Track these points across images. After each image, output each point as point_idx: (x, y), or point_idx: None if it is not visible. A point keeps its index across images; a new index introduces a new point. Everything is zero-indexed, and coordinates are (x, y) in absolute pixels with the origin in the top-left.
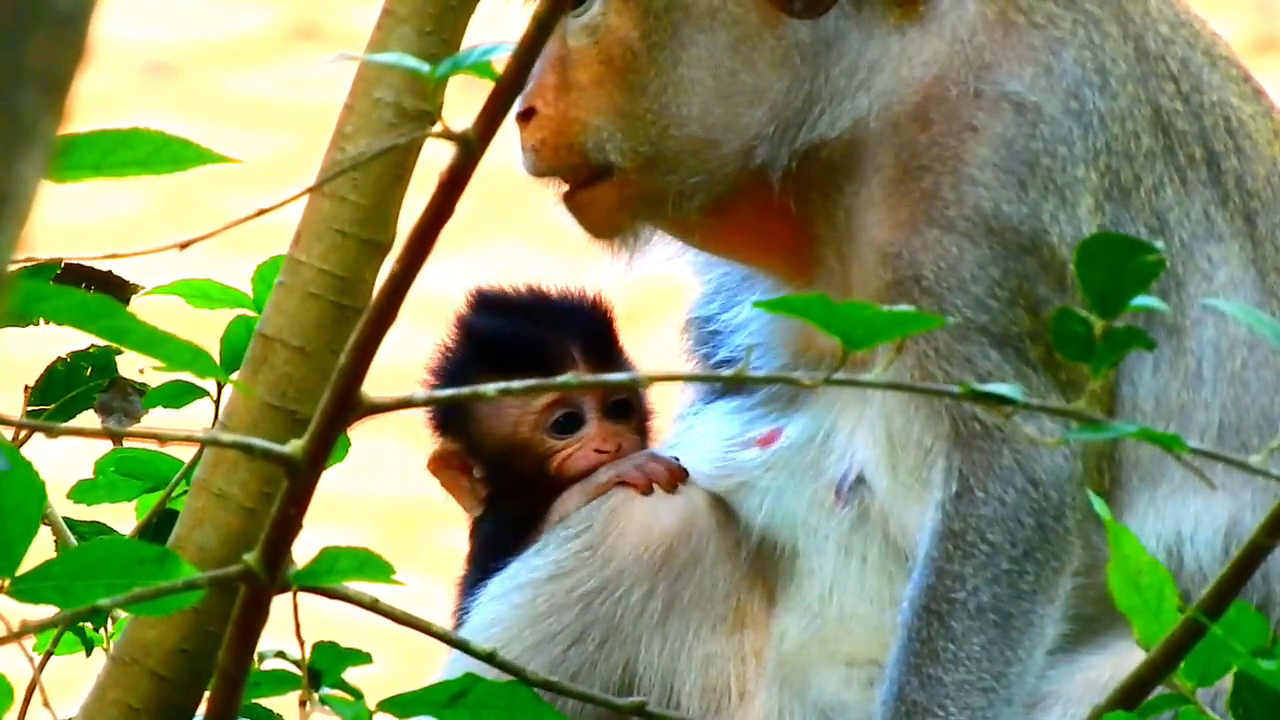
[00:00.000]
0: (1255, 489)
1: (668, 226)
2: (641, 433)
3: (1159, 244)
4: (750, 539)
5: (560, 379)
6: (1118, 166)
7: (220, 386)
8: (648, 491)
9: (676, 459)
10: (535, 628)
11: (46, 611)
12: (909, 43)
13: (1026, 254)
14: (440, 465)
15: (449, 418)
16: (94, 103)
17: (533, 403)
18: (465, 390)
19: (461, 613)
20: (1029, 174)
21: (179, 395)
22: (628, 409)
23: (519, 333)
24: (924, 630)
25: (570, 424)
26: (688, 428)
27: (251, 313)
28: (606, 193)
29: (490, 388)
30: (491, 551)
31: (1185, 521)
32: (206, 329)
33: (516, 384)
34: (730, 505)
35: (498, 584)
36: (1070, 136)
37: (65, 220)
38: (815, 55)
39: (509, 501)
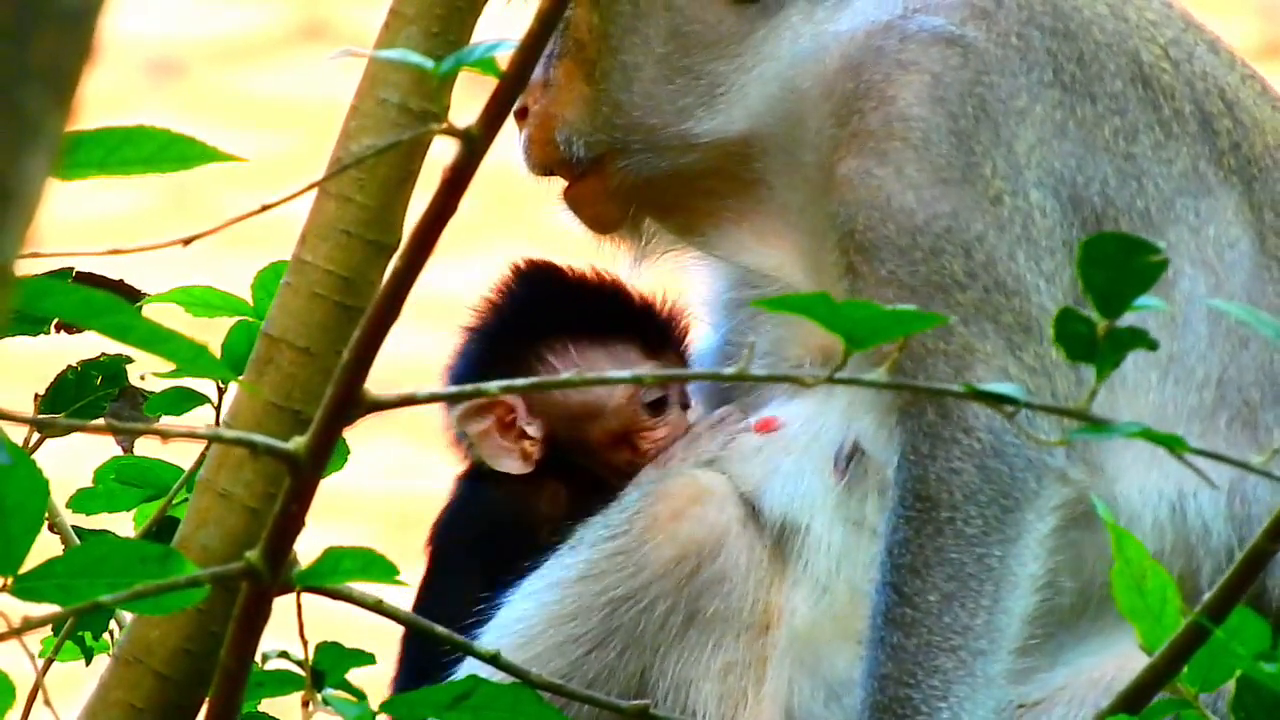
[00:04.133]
0: (1259, 449)
1: (660, 218)
2: None
3: (1139, 203)
4: (770, 531)
5: (562, 376)
6: (1074, 104)
7: (221, 391)
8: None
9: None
10: (560, 628)
11: (49, 610)
12: (834, 7)
13: (956, 188)
14: (480, 415)
15: (510, 369)
16: (99, 100)
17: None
18: (469, 387)
19: (446, 566)
20: (959, 104)
21: (180, 401)
22: (688, 402)
23: (628, 301)
24: (883, 602)
25: (660, 406)
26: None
27: (252, 319)
28: (594, 186)
29: (493, 385)
30: (523, 523)
31: (1189, 478)
32: (209, 333)
33: (520, 381)
34: (758, 507)
35: (530, 582)
36: (1009, 68)
37: (69, 217)
38: (748, 34)
39: (561, 469)
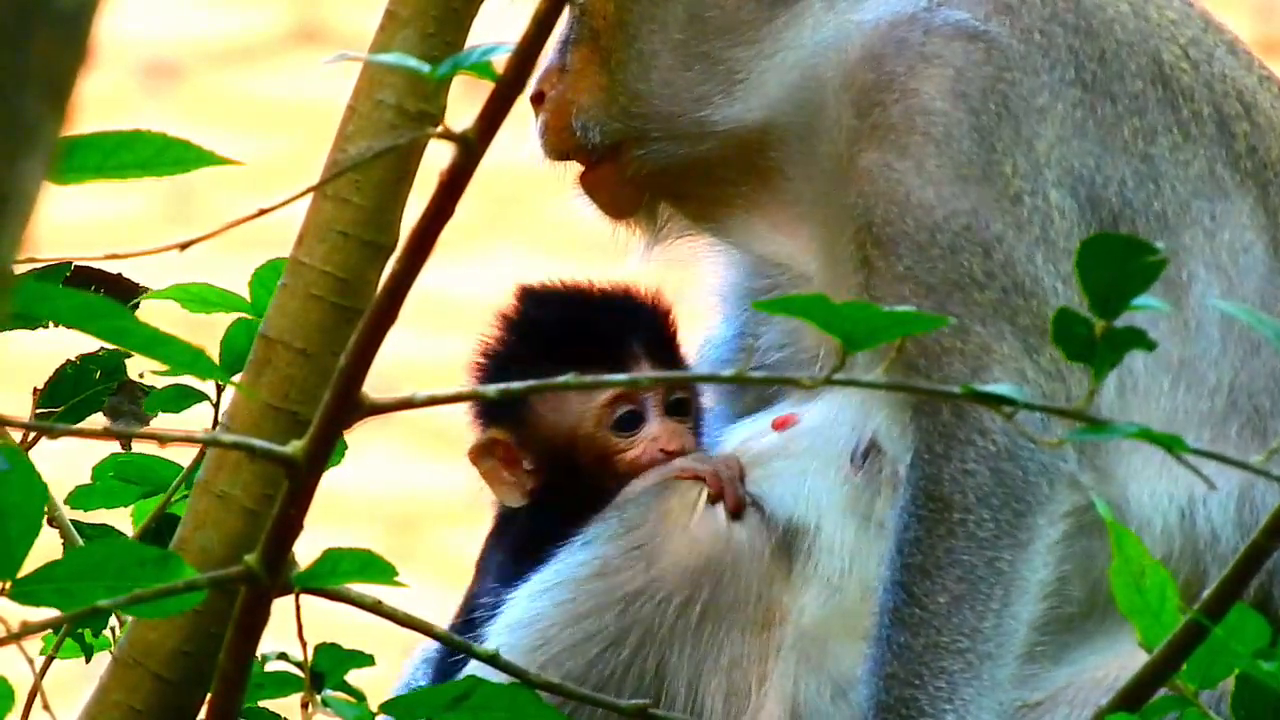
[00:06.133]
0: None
1: (676, 204)
2: (697, 431)
3: (1155, 205)
4: (778, 526)
5: (561, 379)
6: (1094, 102)
7: (220, 389)
8: (717, 498)
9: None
10: (575, 627)
11: (48, 614)
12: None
13: (976, 186)
14: (484, 454)
15: (499, 406)
16: (95, 103)
17: (596, 398)
18: (466, 390)
19: (485, 601)
20: (981, 100)
21: (179, 399)
22: (687, 406)
23: (582, 324)
24: (891, 601)
25: (633, 421)
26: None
27: (250, 316)
28: (610, 172)
29: (492, 388)
30: (537, 542)
31: (1199, 484)
32: (207, 331)
33: (517, 385)
34: (766, 501)
35: (540, 579)
36: (1031, 65)
37: (66, 220)
38: (768, 21)
39: (561, 494)
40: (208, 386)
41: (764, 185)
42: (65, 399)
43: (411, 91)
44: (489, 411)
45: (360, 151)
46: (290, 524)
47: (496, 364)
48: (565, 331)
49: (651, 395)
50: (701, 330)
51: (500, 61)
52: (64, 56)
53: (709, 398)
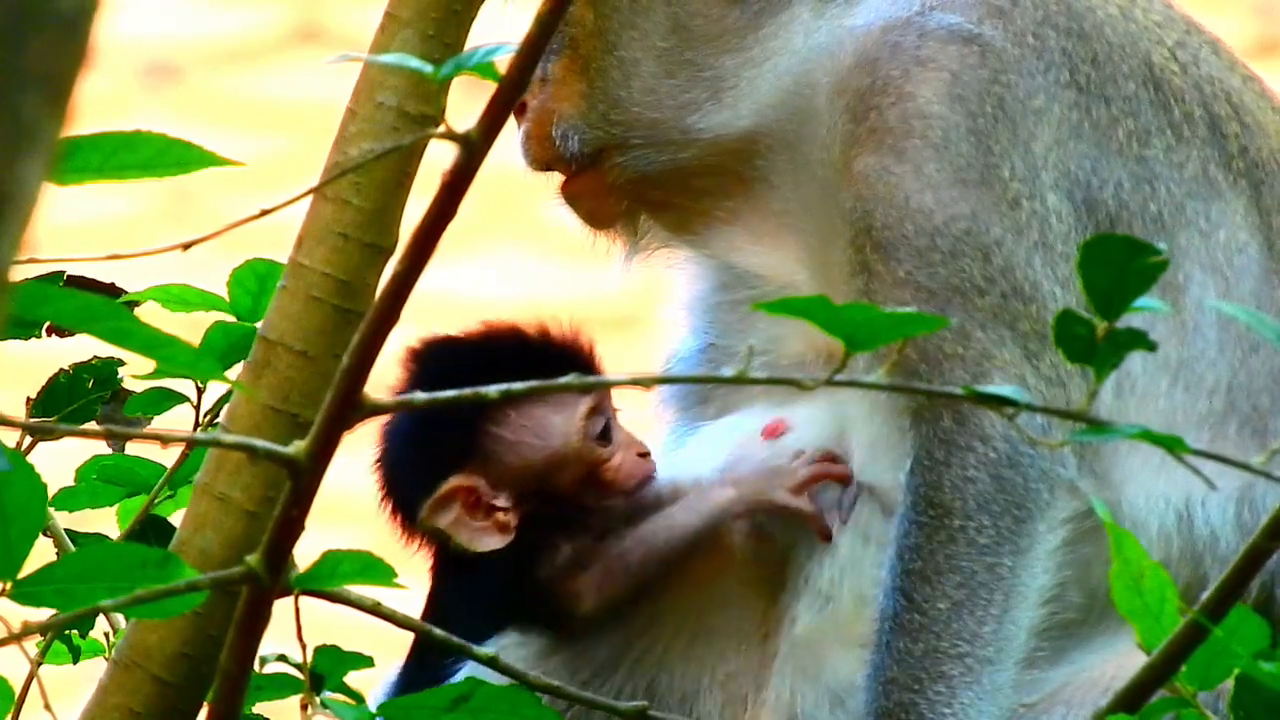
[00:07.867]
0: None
1: (655, 215)
2: None
3: (1151, 207)
4: (767, 534)
5: (564, 379)
6: (1089, 105)
7: (199, 391)
8: (827, 539)
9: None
10: (558, 656)
11: (48, 615)
12: (847, 3)
13: (975, 189)
14: (446, 505)
15: (457, 454)
16: (95, 104)
17: (577, 412)
18: (468, 391)
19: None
20: (978, 103)
21: (159, 401)
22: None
23: (528, 351)
24: (891, 607)
25: (606, 431)
26: (682, 443)
27: (230, 317)
28: (590, 181)
29: (493, 389)
30: (523, 576)
31: (1196, 485)
32: (193, 332)
33: (520, 385)
34: (761, 516)
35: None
36: (1026, 67)
37: (67, 221)
38: (755, 29)
39: (542, 524)
40: (187, 388)
41: (746, 195)
42: (59, 408)
43: (412, 93)
44: (447, 461)
45: (362, 153)
46: (292, 525)
47: (451, 408)
48: (520, 364)
49: (610, 407)
50: (666, 344)
51: (503, 62)
52: (63, 57)
53: (665, 405)
